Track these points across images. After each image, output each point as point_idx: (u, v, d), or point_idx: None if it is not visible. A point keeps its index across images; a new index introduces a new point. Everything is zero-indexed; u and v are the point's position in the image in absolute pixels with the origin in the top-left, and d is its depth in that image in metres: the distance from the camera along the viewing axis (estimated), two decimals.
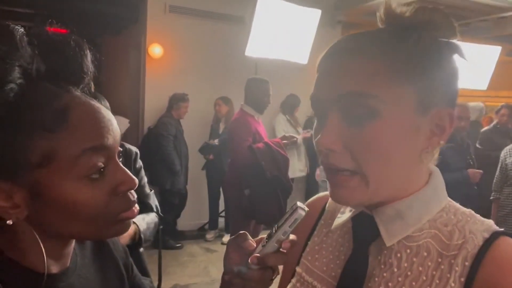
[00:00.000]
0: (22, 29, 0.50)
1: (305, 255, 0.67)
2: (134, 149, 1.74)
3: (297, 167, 4.42)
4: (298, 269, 0.67)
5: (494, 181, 3.22)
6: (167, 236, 4.26)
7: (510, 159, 3.08)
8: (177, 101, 4.21)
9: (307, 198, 3.69)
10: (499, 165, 3.17)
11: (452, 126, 0.54)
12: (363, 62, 0.51)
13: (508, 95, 7.03)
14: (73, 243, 0.61)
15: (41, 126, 0.48)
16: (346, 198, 0.55)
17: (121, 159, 0.56)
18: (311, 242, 0.67)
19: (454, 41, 0.54)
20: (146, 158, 3.96)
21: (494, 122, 4.35)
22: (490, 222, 0.55)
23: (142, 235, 1.48)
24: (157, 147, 4.08)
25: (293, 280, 0.67)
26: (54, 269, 0.57)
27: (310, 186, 5.03)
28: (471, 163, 3.18)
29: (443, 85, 0.53)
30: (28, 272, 0.54)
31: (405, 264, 0.54)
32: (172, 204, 4.28)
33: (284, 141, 3.12)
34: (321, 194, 0.74)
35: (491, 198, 3.22)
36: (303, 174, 4.66)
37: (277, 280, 0.69)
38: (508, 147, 3.16)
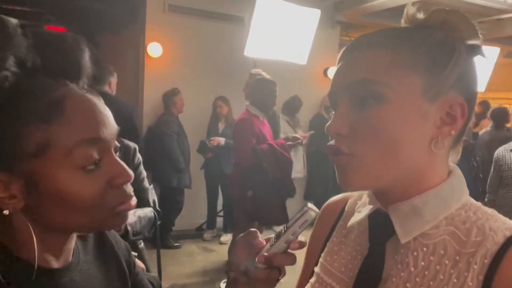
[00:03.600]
0: (16, 21, 0.50)
1: (324, 255, 0.67)
2: (133, 144, 1.75)
3: (294, 168, 4.42)
4: (316, 269, 0.67)
5: (488, 182, 3.21)
6: (168, 235, 4.26)
7: (504, 159, 3.07)
8: (170, 97, 4.20)
9: (306, 199, 3.68)
10: (493, 166, 3.14)
11: (464, 117, 0.54)
12: (372, 53, 0.55)
13: (506, 96, 7.06)
14: (74, 239, 0.61)
15: (36, 116, 0.48)
16: (348, 179, 0.55)
17: (117, 153, 0.57)
18: (329, 243, 0.67)
19: (474, 43, 0.55)
20: (149, 157, 4.00)
21: (492, 124, 4.37)
22: None
23: (129, 227, 1.47)
24: (161, 146, 4.08)
25: (312, 280, 0.67)
26: (55, 264, 0.57)
27: (308, 188, 5.04)
28: (475, 165, 3.16)
29: (455, 76, 0.54)
30: (27, 265, 0.53)
31: (422, 263, 0.53)
32: (178, 202, 4.28)
33: (289, 143, 3.11)
34: (341, 195, 0.74)
35: (486, 200, 3.19)
36: (300, 175, 4.66)
37: (289, 280, 0.70)
38: (501, 148, 3.14)
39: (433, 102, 0.53)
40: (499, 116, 4.40)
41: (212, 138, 4.30)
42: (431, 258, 0.53)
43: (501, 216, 0.55)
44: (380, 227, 0.58)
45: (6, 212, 0.50)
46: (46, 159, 0.49)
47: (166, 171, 4.11)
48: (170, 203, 4.23)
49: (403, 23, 0.59)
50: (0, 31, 0.48)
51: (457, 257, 0.51)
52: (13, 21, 0.50)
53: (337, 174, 0.57)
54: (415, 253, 0.54)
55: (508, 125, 4.54)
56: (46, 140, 0.49)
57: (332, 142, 0.56)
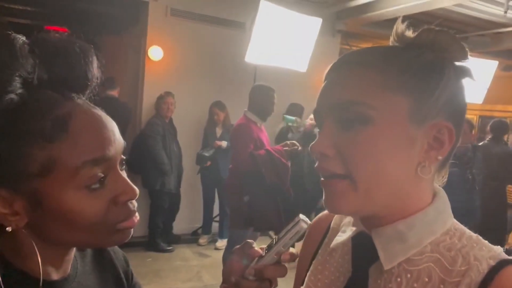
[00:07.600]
0: (23, 38, 0.49)
1: (309, 274, 0.66)
2: None
3: None
4: None
5: None
6: (158, 239, 4.25)
7: None
8: (158, 100, 4.20)
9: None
10: None
11: (452, 141, 0.53)
12: (359, 73, 0.53)
13: (502, 109, 7.10)
14: (74, 250, 0.61)
15: (40, 136, 0.47)
16: (337, 204, 0.54)
17: (124, 166, 0.56)
18: (315, 261, 0.66)
19: (464, 65, 0.55)
20: (137, 160, 4.00)
21: (490, 136, 4.36)
22: (499, 249, 0.52)
23: None
24: (146, 148, 4.08)
25: None
26: (55, 275, 0.57)
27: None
28: (470, 177, 3.14)
29: (444, 99, 0.52)
30: (28, 278, 0.53)
31: None
32: (162, 206, 4.26)
33: (285, 148, 3.12)
34: (327, 211, 0.72)
35: (509, 214, 3.09)
36: None
37: None
38: None
39: (420, 126, 0.52)
40: (499, 128, 4.32)
41: (215, 142, 4.32)
42: (415, 285, 0.51)
43: (485, 242, 0.53)
44: (363, 251, 0.57)
45: (9, 229, 0.50)
46: (50, 179, 0.49)
47: (150, 173, 4.11)
48: (154, 207, 4.24)
49: (392, 41, 0.57)
50: (7, 51, 0.47)
51: (442, 286, 0.50)
52: (21, 38, 0.49)
53: (324, 197, 0.55)
54: (399, 279, 0.52)
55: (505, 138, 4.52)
56: (50, 160, 0.48)
57: (319, 164, 0.54)
